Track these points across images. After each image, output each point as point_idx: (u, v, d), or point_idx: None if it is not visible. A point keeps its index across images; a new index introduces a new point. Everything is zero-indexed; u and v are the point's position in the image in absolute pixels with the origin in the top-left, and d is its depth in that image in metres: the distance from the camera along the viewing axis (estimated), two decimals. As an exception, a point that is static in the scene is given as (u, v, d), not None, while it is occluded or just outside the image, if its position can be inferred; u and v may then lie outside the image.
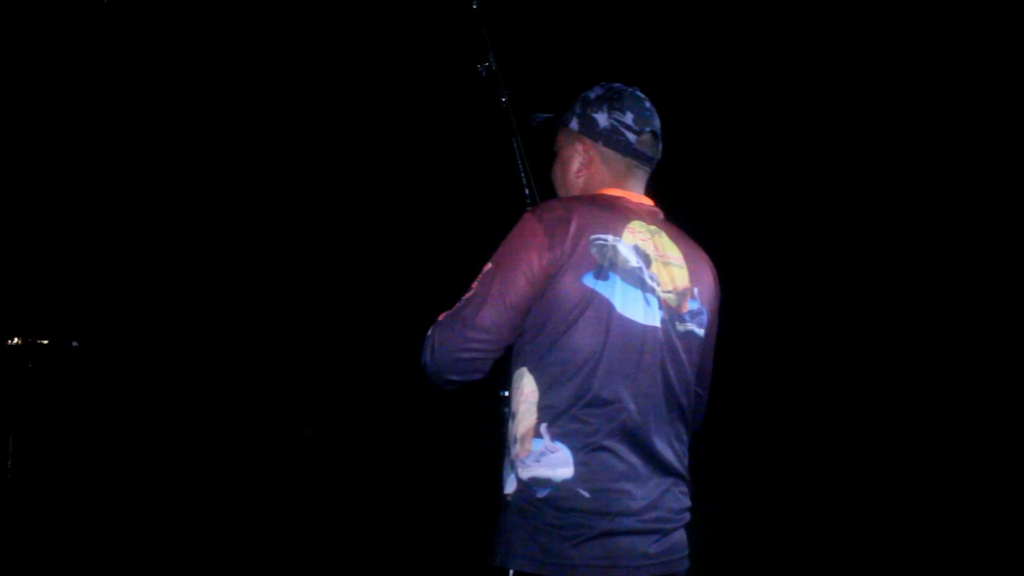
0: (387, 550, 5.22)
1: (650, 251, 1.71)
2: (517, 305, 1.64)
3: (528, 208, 1.75)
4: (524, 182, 2.08)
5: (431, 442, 8.83)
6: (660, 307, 1.70)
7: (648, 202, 1.84)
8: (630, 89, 1.86)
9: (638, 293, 1.67)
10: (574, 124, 1.86)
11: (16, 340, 16.55)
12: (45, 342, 16.99)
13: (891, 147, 9.55)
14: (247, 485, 7.13)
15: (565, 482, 1.59)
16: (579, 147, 1.85)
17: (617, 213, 1.72)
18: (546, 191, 1.97)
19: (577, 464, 1.59)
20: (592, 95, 1.86)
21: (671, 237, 1.78)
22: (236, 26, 9.24)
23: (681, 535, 1.70)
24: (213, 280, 14.41)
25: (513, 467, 1.64)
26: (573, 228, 1.64)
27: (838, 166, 9.85)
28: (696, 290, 1.77)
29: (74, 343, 17.01)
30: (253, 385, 12.68)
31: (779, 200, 10.27)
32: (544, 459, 1.61)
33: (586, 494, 1.58)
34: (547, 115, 1.94)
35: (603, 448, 1.61)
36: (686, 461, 1.74)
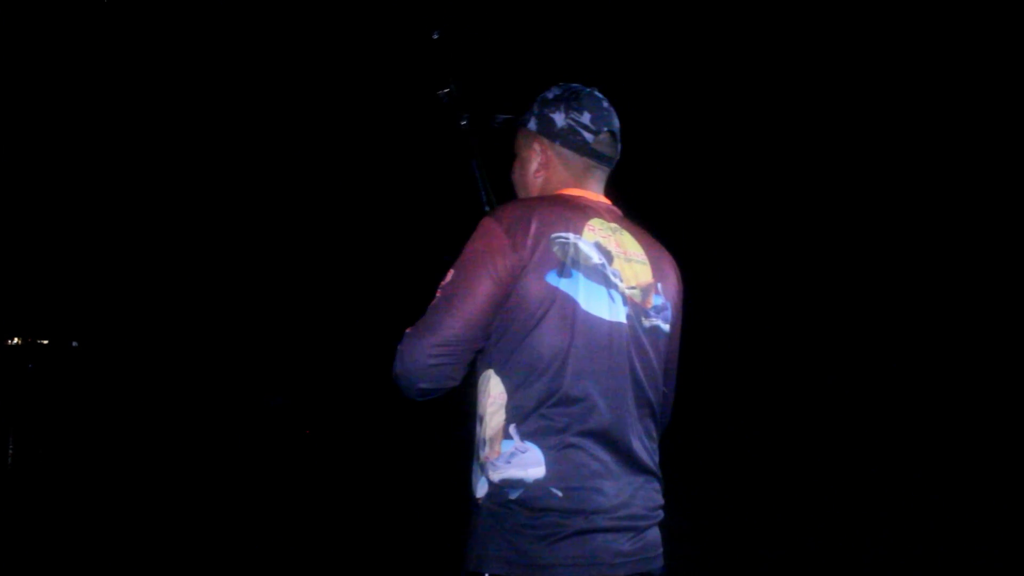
0: (385, 550, 5.22)
1: (611, 248, 1.72)
2: (484, 309, 1.63)
3: (487, 213, 1.75)
4: (484, 200, 2.09)
5: (431, 442, 8.83)
6: (625, 303, 1.70)
7: (606, 201, 1.85)
8: (588, 89, 1.86)
9: (602, 289, 1.67)
10: (532, 124, 1.87)
11: (16, 340, 16.55)
12: (45, 342, 16.99)
13: (878, 143, 9.55)
14: (246, 485, 7.13)
15: (537, 482, 1.58)
16: (537, 147, 1.86)
17: (576, 211, 1.73)
18: (507, 200, 1.98)
19: (548, 463, 1.58)
20: (550, 95, 1.87)
21: (632, 234, 1.78)
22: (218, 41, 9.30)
23: (655, 533, 1.69)
24: (212, 281, 14.42)
25: (483, 470, 1.63)
26: (533, 228, 1.64)
27: (820, 162, 9.86)
28: (660, 286, 1.77)
29: (74, 343, 17.01)
30: (252, 386, 12.68)
31: (763, 196, 10.28)
32: (515, 460, 1.60)
33: (559, 493, 1.57)
34: (507, 116, 1.94)
35: (574, 446, 1.60)
36: (657, 458, 1.74)
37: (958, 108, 8.81)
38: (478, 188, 2.10)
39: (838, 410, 9.62)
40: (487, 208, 2.06)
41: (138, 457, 8.39)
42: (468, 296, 1.63)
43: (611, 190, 1.90)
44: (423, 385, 1.66)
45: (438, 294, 1.66)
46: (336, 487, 7.25)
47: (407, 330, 1.68)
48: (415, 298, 1.76)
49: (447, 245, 1.96)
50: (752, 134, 9.75)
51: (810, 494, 6.91)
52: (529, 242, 1.63)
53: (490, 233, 1.65)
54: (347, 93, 10.06)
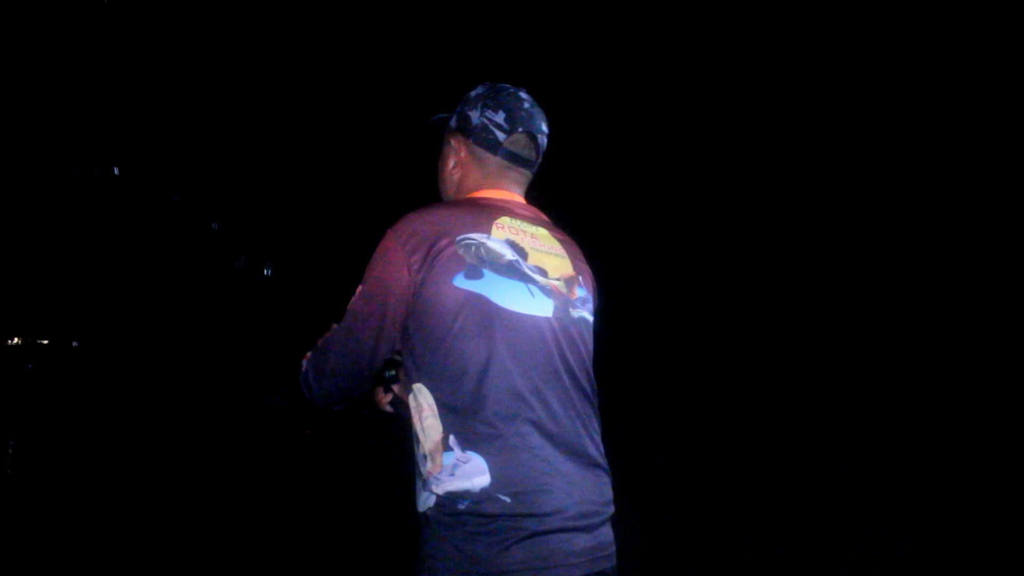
0: (385, 550, 5.22)
1: (526, 243, 1.69)
2: (385, 324, 1.62)
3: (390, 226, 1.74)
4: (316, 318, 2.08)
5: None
6: (550, 296, 1.68)
7: (522, 201, 1.82)
8: (513, 89, 1.84)
9: (520, 285, 1.65)
10: (452, 122, 1.85)
11: (16, 340, 16.54)
12: (45, 342, 16.99)
13: (878, 141, 9.55)
14: (247, 485, 7.13)
15: (484, 490, 1.54)
16: (454, 144, 1.85)
17: (483, 211, 1.70)
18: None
19: (493, 470, 1.54)
20: (473, 93, 1.85)
21: (549, 230, 1.77)
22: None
23: (608, 530, 1.66)
24: (213, 281, 14.43)
25: (427, 485, 1.59)
26: (434, 235, 1.61)
27: (815, 162, 9.86)
28: (581, 278, 1.76)
29: (74, 343, 17.00)
30: (252, 386, 12.68)
31: (754, 194, 10.29)
32: (458, 471, 1.56)
33: (507, 499, 1.53)
34: (441, 115, 1.93)
35: (516, 448, 1.56)
36: (602, 450, 1.71)
37: (956, 108, 8.80)
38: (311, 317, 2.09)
39: (835, 410, 9.61)
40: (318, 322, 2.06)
41: (139, 457, 8.39)
42: (372, 313, 1.62)
43: (605, 189, 1.89)
44: (335, 401, 1.72)
45: (348, 309, 1.67)
46: (336, 487, 7.25)
47: (308, 354, 1.70)
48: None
49: None
50: (749, 133, 9.74)
51: (801, 493, 6.91)
52: (428, 251, 1.60)
53: (390, 247, 1.63)
54: (353, 93, 10.06)
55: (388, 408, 1.79)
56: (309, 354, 1.72)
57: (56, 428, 10.64)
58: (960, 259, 9.60)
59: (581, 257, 1.81)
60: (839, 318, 10.42)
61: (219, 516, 5.90)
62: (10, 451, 8.87)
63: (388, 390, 1.78)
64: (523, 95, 1.83)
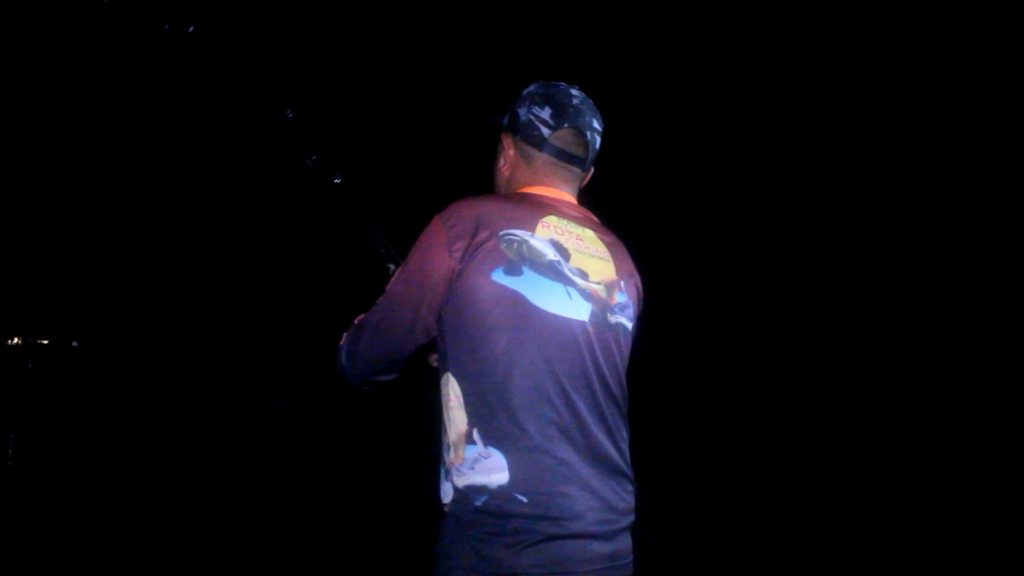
0: (384, 550, 5.21)
1: (570, 244, 1.69)
2: (421, 307, 1.63)
3: (397, 261, 1.74)
4: (381, 250, 2.07)
5: (430, 442, 8.80)
6: (588, 299, 1.67)
7: (572, 201, 1.81)
8: (564, 85, 1.83)
9: (559, 287, 1.65)
10: (504, 120, 1.86)
11: (16, 340, 16.53)
12: (45, 342, 16.96)
13: (879, 141, 9.54)
14: (247, 485, 7.12)
15: (501, 488, 1.54)
16: (504, 142, 1.85)
17: (530, 208, 1.70)
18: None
19: (512, 469, 1.55)
20: (525, 92, 1.85)
21: (596, 232, 1.76)
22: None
23: (627, 538, 1.65)
24: (214, 280, 14.41)
25: (448, 476, 1.60)
26: (479, 225, 1.62)
27: (816, 163, 9.85)
28: (623, 283, 1.75)
29: (74, 343, 16.98)
30: (253, 386, 12.66)
31: (756, 194, 10.27)
32: (478, 465, 1.56)
33: (523, 499, 1.53)
34: (500, 117, 1.93)
35: (537, 449, 1.56)
36: (628, 458, 1.70)
37: (957, 108, 8.79)
38: (371, 240, 2.07)
39: (836, 412, 9.60)
40: (382, 249, 2.05)
41: (139, 457, 8.38)
42: (408, 297, 1.63)
43: (605, 191, 1.88)
44: (371, 377, 1.73)
45: (386, 290, 1.67)
46: (336, 487, 7.25)
47: (355, 321, 1.69)
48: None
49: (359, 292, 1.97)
50: (751, 133, 9.73)
51: (804, 496, 6.91)
52: (470, 241, 1.61)
53: (431, 234, 1.65)
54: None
55: (433, 363, 1.80)
56: (346, 333, 1.73)
57: (56, 428, 10.63)
58: (961, 260, 9.58)
59: (629, 261, 1.80)
60: (834, 319, 10.42)
61: (219, 516, 5.89)
62: (10, 451, 8.85)
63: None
64: (574, 91, 1.84)
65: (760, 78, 9.06)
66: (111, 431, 10.25)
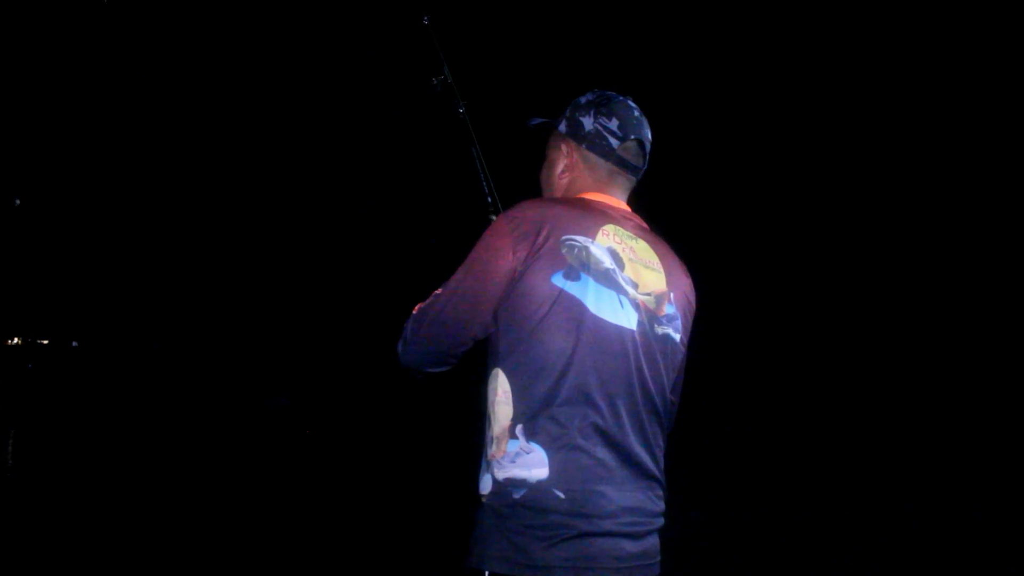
0: (384, 550, 5.22)
1: (625, 254, 1.73)
2: (481, 303, 1.66)
3: (499, 211, 1.77)
4: (486, 189, 2.11)
5: (430, 442, 8.83)
6: (637, 309, 1.71)
7: (627, 209, 1.86)
8: (622, 97, 1.88)
9: (612, 295, 1.68)
10: (562, 127, 1.89)
11: (16, 340, 16.54)
12: (45, 342, 16.98)
13: (885, 144, 9.55)
14: (247, 485, 7.13)
15: (540, 483, 1.59)
16: (564, 149, 1.88)
17: (592, 215, 1.74)
18: (509, 198, 1.99)
19: (552, 465, 1.60)
20: (583, 100, 1.89)
21: (649, 243, 1.79)
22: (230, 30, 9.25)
23: (655, 540, 1.70)
24: (213, 281, 14.43)
25: (489, 468, 1.65)
26: (543, 228, 1.66)
27: (822, 168, 9.87)
28: (673, 295, 1.78)
29: (74, 343, 17.00)
30: (252, 386, 12.68)
31: (763, 199, 10.29)
32: (520, 460, 1.60)
33: (561, 495, 1.58)
34: (542, 119, 1.96)
35: (578, 448, 1.61)
36: (662, 465, 1.74)
37: (959, 109, 8.81)
38: (479, 177, 2.12)
39: (838, 416, 9.62)
40: (489, 198, 2.09)
41: (139, 458, 8.39)
42: (468, 290, 1.67)
43: (637, 199, 1.92)
44: (424, 368, 1.76)
45: (451, 280, 1.70)
46: (337, 488, 7.25)
47: (414, 310, 1.73)
48: (418, 296, 1.77)
49: (453, 242, 1.97)
50: (760, 137, 9.75)
51: (807, 499, 6.91)
52: (537, 242, 1.65)
53: (497, 233, 1.69)
54: (341, 89, 10.03)
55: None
56: (416, 309, 1.76)
57: (56, 428, 10.64)
58: (964, 260, 9.60)
59: (681, 271, 1.84)
60: (836, 322, 10.43)
61: (220, 516, 5.90)
62: (10, 451, 8.87)
63: None
64: (631, 103, 1.90)
65: (747, 85, 9.10)
66: (111, 431, 10.26)
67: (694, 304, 1.86)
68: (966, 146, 9.09)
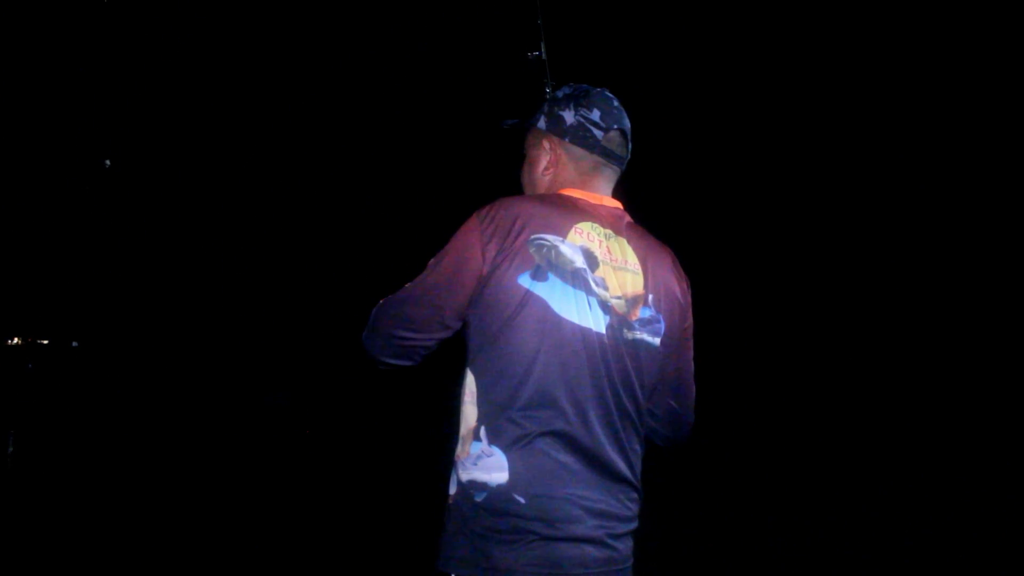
0: (384, 550, 5.21)
1: (599, 254, 1.70)
2: (445, 301, 1.65)
3: (476, 209, 1.76)
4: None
5: (430, 442, 8.81)
6: (606, 312, 1.68)
7: (612, 204, 1.83)
8: (598, 89, 1.88)
9: (580, 295, 1.66)
10: (541, 123, 1.88)
11: (16, 340, 16.53)
12: (45, 342, 16.97)
13: (886, 143, 9.54)
14: (247, 485, 7.13)
15: (500, 487, 1.58)
16: (546, 145, 1.87)
17: (568, 212, 1.72)
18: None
19: (512, 469, 1.58)
20: (560, 94, 1.89)
21: (632, 242, 1.76)
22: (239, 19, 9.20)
23: (626, 544, 1.67)
24: (213, 280, 14.42)
25: (455, 468, 1.63)
26: (513, 227, 1.65)
27: (823, 166, 9.85)
28: (651, 297, 1.75)
29: (74, 343, 16.99)
30: (252, 385, 12.67)
31: (762, 197, 10.27)
32: (481, 463, 1.61)
33: (521, 499, 1.56)
34: (515, 120, 1.94)
35: (540, 452, 1.59)
36: (638, 469, 1.71)
37: (959, 109, 8.79)
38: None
39: (838, 415, 9.61)
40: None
41: (139, 457, 8.39)
42: (435, 289, 1.67)
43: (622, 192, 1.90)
44: (384, 359, 1.75)
45: (417, 279, 1.69)
46: (336, 488, 7.25)
47: (381, 301, 1.71)
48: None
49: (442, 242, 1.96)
50: (758, 135, 9.73)
51: (808, 501, 6.90)
52: (506, 242, 1.63)
53: (470, 229, 1.67)
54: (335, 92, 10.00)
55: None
56: (383, 301, 1.75)
57: (56, 428, 10.63)
58: (964, 259, 9.58)
59: (666, 270, 1.80)
60: (838, 323, 10.41)
61: (219, 516, 5.90)
62: (10, 451, 8.86)
63: None
64: (609, 94, 1.89)
65: (741, 89, 9.07)
66: (111, 431, 10.25)
67: (686, 302, 1.82)
68: (965, 143, 9.07)
